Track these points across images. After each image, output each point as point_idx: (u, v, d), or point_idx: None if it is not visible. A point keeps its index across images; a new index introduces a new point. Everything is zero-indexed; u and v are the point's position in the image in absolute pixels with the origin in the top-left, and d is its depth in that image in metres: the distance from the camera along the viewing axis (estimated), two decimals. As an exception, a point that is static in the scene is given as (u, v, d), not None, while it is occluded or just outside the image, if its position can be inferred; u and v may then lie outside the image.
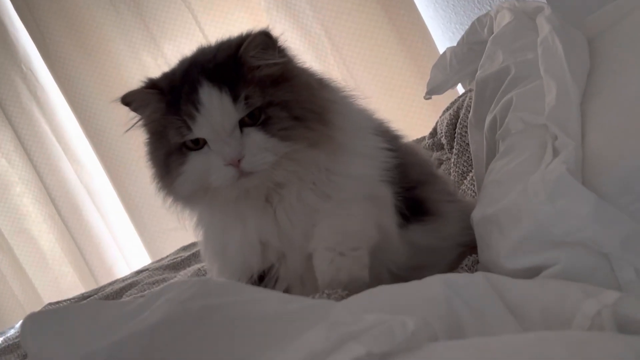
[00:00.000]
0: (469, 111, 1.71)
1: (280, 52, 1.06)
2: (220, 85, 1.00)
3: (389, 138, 1.19)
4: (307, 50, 2.97)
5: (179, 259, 2.53)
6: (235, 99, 1.00)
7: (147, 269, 2.62)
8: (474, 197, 1.44)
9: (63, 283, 4.07)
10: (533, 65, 1.21)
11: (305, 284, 1.10)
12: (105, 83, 3.51)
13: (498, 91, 1.28)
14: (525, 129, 1.07)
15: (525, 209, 0.88)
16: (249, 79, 1.02)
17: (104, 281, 3.92)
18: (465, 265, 1.13)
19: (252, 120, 1.01)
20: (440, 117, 2.07)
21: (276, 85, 1.04)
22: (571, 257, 0.84)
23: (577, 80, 1.05)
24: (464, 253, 1.19)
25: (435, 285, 0.84)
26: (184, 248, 2.75)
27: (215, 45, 1.12)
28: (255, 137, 1.01)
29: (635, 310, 0.74)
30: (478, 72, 1.40)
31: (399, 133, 1.27)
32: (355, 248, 0.97)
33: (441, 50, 2.90)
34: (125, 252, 3.99)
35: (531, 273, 0.89)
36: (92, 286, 3.94)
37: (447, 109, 2.06)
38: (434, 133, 2.09)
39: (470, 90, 2.02)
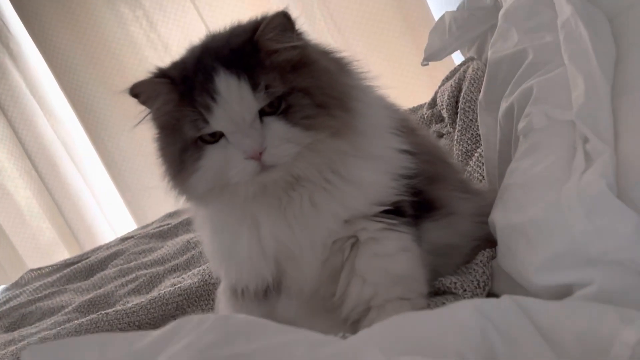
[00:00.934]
0: (473, 85, 1.65)
1: (298, 35, 0.99)
2: (238, 72, 0.92)
3: (406, 130, 1.12)
4: (295, 12, 2.86)
5: (166, 227, 2.47)
6: (254, 87, 0.92)
7: (132, 237, 2.56)
8: (481, 180, 1.39)
9: (41, 239, 4.01)
10: (553, 49, 1.15)
11: (304, 292, 1.07)
12: (81, 35, 3.38)
13: (513, 75, 1.21)
14: (549, 125, 1.01)
15: (559, 224, 0.83)
16: (268, 65, 0.94)
17: (83, 237, 3.87)
18: (480, 261, 1.09)
19: (272, 109, 0.94)
20: (440, 88, 1.99)
21: (296, 70, 0.96)
22: (607, 276, 0.80)
23: (605, 72, 0.99)
24: (478, 247, 1.15)
25: (465, 312, 0.78)
26: (170, 215, 2.68)
27: (227, 30, 1.04)
28: (277, 127, 0.94)
29: (678, 339, 0.70)
30: (490, 52, 1.33)
31: (415, 124, 1.21)
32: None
33: (432, 8, 2.82)
34: (105, 209, 3.92)
35: (563, 290, 0.84)
36: (72, 242, 3.89)
37: (447, 79, 1.99)
38: (432, 104, 2.02)
39: (471, 59, 1.95)
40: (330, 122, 0.96)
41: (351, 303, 1.02)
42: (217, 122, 0.93)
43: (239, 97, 0.92)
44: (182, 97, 0.96)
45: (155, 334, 0.69)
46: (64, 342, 0.71)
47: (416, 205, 1.07)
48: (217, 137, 0.96)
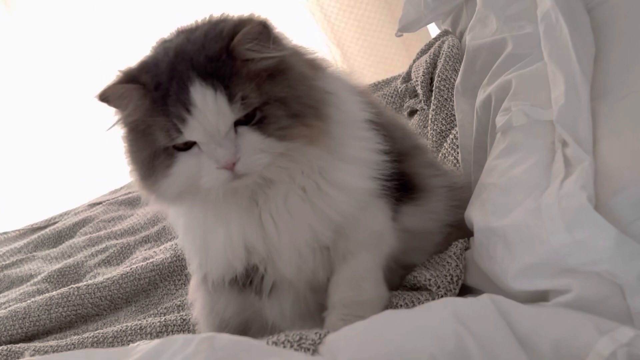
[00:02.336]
0: (448, 63, 1.65)
1: (275, 42, 0.95)
2: (214, 83, 0.90)
3: (375, 112, 1.12)
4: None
5: (135, 194, 2.44)
6: (231, 99, 0.90)
7: (100, 203, 2.53)
8: (456, 164, 1.40)
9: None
10: (532, 41, 1.15)
11: (291, 282, 1.08)
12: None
13: (491, 64, 1.21)
14: (528, 125, 1.01)
15: (539, 234, 0.84)
16: (244, 75, 0.92)
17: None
18: (454, 253, 1.10)
19: (246, 118, 0.92)
20: (414, 62, 1.98)
21: (272, 79, 0.94)
22: (584, 286, 0.82)
23: (585, 72, 0.99)
24: (451, 234, 1.17)
25: (443, 316, 0.80)
26: (139, 181, 2.65)
27: (201, 30, 0.99)
28: (251, 137, 0.92)
29: (651, 351, 0.72)
30: (468, 37, 1.33)
31: (382, 105, 1.20)
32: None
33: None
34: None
35: (539, 295, 0.87)
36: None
37: (422, 52, 1.97)
38: (407, 78, 2.00)
39: (446, 32, 1.94)
40: (305, 132, 0.95)
41: (336, 257, 1.07)
42: (192, 133, 0.91)
43: (215, 109, 0.90)
44: (154, 105, 0.93)
45: (139, 352, 0.69)
46: (48, 358, 0.70)
47: (396, 186, 1.08)
48: (189, 144, 0.94)
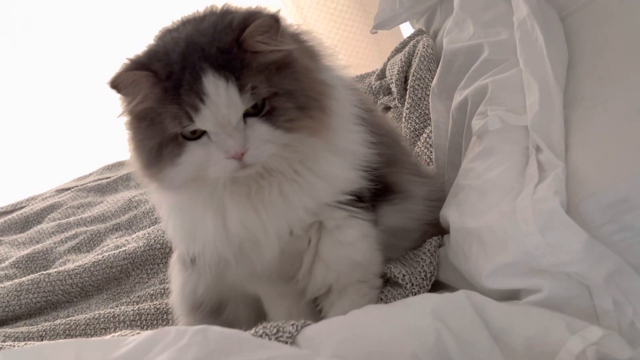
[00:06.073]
0: (423, 63, 1.69)
1: (283, 35, 0.97)
2: (226, 75, 0.92)
3: (365, 110, 1.15)
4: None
5: (105, 181, 2.44)
6: (241, 89, 0.92)
7: (69, 189, 2.51)
8: (429, 163, 1.44)
9: None
10: (508, 48, 1.19)
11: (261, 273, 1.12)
12: None
13: (468, 68, 1.24)
14: (503, 129, 1.05)
15: (512, 236, 0.88)
16: (254, 67, 0.94)
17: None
18: (428, 250, 1.14)
19: (255, 110, 0.95)
20: (389, 60, 2.01)
21: (280, 72, 0.96)
22: (555, 286, 0.86)
23: (558, 80, 1.03)
24: (427, 232, 1.21)
25: (422, 313, 0.84)
26: (109, 168, 2.63)
27: (209, 21, 1.00)
28: (260, 129, 0.95)
29: (617, 350, 0.77)
30: (445, 40, 1.36)
31: (372, 104, 1.26)
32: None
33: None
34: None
35: (511, 293, 0.91)
36: None
37: (397, 51, 2.00)
38: (382, 75, 2.03)
39: (421, 32, 1.98)
40: (310, 124, 0.98)
41: (316, 285, 1.11)
42: (203, 122, 0.93)
43: (227, 100, 0.92)
44: (165, 94, 0.94)
45: (131, 343, 0.70)
46: (39, 347, 0.72)
47: (375, 189, 1.11)
48: (198, 133, 0.96)
